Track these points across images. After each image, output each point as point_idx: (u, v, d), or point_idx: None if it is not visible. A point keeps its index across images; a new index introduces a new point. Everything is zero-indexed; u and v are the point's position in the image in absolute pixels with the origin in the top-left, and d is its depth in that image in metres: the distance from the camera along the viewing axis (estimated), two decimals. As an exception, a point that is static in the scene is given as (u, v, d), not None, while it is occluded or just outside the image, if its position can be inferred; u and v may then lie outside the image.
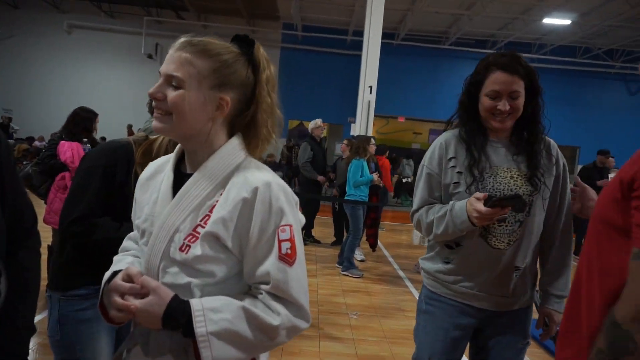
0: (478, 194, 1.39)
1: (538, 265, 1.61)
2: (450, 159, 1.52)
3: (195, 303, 0.88)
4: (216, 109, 0.94)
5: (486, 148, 1.50)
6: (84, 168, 1.44)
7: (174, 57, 0.92)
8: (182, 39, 0.95)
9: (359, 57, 8.75)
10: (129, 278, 0.92)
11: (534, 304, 1.61)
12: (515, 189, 1.46)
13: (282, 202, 0.93)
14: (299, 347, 3.18)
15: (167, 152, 1.32)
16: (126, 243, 1.13)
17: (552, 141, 1.56)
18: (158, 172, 1.05)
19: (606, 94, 14.64)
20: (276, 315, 0.90)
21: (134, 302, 0.88)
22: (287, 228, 0.92)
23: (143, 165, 1.33)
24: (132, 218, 1.10)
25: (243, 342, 0.89)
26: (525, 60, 1.45)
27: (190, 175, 0.97)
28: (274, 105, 1.01)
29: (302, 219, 1.00)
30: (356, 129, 7.83)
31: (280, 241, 0.91)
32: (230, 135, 0.99)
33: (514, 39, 13.47)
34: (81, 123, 3.51)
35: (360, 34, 9.63)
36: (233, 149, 0.96)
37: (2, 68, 14.35)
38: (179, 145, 1.04)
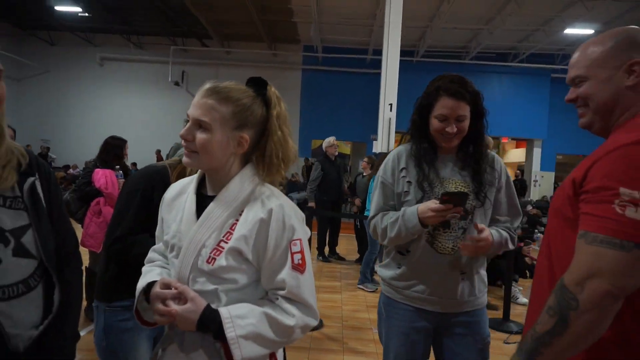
0: (432, 200, 1.54)
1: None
2: (401, 170, 1.67)
3: (224, 312, 1.04)
4: (237, 145, 1.11)
5: (435, 162, 1.65)
6: (125, 193, 1.59)
7: (201, 103, 1.09)
8: (207, 86, 1.11)
9: (379, 75, 8.86)
10: (166, 287, 1.08)
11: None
12: None
13: (293, 220, 1.10)
14: (323, 362, 3.21)
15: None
16: (151, 255, 1.28)
17: (496, 156, 1.71)
18: (181, 193, 1.21)
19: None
20: (291, 317, 1.07)
21: (175, 308, 1.04)
22: (298, 242, 1.10)
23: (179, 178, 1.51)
24: (157, 233, 1.26)
25: (265, 341, 1.06)
26: (472, 85, 1.60)
27: (210, 197, 1.13)
28: (286, 137, 1.15)
29: (308, 232, 1.17)
30: (378, 146, 7.89)
31: (292, 253, 1.09)
32: (244, 163, 1.15)
33: (536, 50, 13.37)
34: (112, 151, 3.72)
35: (379, 52, 9.78)
36: (247, 176, 1.13)
37: (40, 101, 15.16)
38: (199, 171, 1.20)
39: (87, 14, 12.74)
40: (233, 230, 1.08)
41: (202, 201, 1.13)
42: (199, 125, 1.08)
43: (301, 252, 1.10)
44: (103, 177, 3.55)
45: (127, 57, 15.11)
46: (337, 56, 14.28)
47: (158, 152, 13.15)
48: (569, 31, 11.68)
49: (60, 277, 1.18)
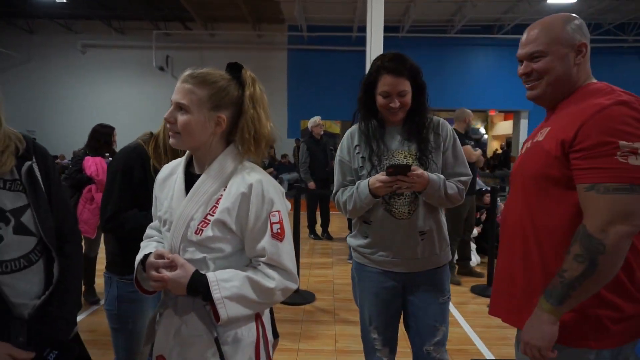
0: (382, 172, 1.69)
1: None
2: (355, 147, 1.83)
3: (211, 276, 1.16)
4: (215, 125, 1.22)
5: (385, 137, 1.80)
6: (108, 176, 1.73)
7: (180, 88, 1.20)
8: (186, 72, 1.22)
9: (365, 52, 8.85)
10: (159, 257, 1.20)
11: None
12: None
13: (272, 194, 1.21)
14: (316, 332, 3.35)
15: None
16: (149, 231, 1.42)
17: (442, 120, 1.84)
18: (172, 173, 1.33)
19: (621, 69, 14.38)
20: (272, 280, 1.20)
21: (167, 274, 1.16)
22: (277, 213, 1.22)
23: (157, 157, 1.68)
24: (153, 211, 1.41)
25: (248, 302, 1.18)
26: (411, 61, 1.74)
27: (198, 175, 1.25)
28: (260, 116, 1.23)
29: (288, 205, 1.30)
30: (365, 124, 7.92)
31: (271, 223, 1.20)
32: (227, 143, 1.27)
33: (520, 21, 13.35)
34: (101, 138, 3.77)
35: (364, 29, 9.73)
36: (229, 155, 1.24)
37: (23, 91, 14.91)
38: (187, 152, 1.32)
39: (65, 0, 12.46)
40: (218, 204, 1.19)
41: (191, 179, 1.26)
42: (179, 108, 1.19)
43: (280, 222, 1.21)
44: (94, 165, 3.61)
45: (109, 44, 14.85)
46: (323, 34, 14.16)
47: (146, 138, 13.04)
48: (551, 1, 11.68)
49: (60, 252, 1.30)
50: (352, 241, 1.92)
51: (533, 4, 12.12)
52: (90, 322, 3.50)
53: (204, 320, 1.20)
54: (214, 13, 13.59)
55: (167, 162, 1.67)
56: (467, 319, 3.71)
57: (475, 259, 5.16)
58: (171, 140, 1.22)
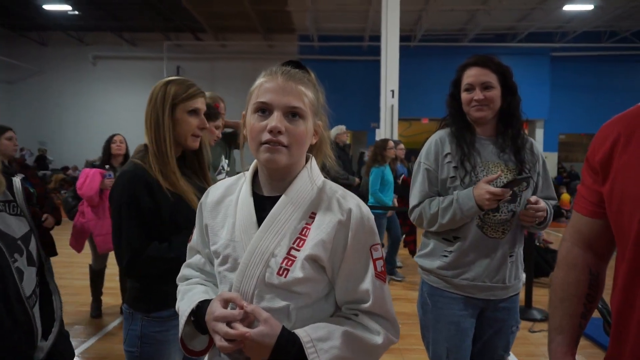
0: (487, 178, 1.53)
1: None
2: (446, 155, 1.64)
3: (303, 335, 0.89)
4: (313, 135, 0.99)
5: (475, 144, 1.64)
6: (112, 212, 1.46)
7: (287, 87, 0.92)
8: (287, 68, 0.96)
9: (377, 62, 8.70)
10: (226, 304, 0.91)
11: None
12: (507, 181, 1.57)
13: (372, 222, 0.96)
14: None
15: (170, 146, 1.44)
16: (186, 271, 1.11)
17: (533, 141, 1.72)
18: (226, 195, 1.03)
19: (637, 77, 14.09)
20: (377, 335, 0.93)
21: (247, 330, 0.86)
22: (378, 247, 0.97)
23: (163, 170, 1.42)
24: (193, 244, 1.10)
25: None
26: (499, 60, 1.64)
27: (268, 198, 0.97)
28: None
29: None
30: (381, 134, 7.77)
31: (374, 260, 0.95)
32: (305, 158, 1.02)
33: (535, 29, 13.17)
34: (106, 150, 3.63)
35: (376, 39, 9.60)
36: (314, 172, 0.99)
37: (35, 103, 14.97)
38: (252, 167, 1.03)
39: (76, 12, 12.51)
40: (305, 235, 0.93)
41: (259, 203, 0.97)
42: (291, 113, 0.92)
43: (382, 258, 0.98)
44: (82, 177, 3.53)
45: (120, 55, 14.89)
46: (334, 44, 14.08)
47: (157, 149, 12.98)
48: (567, 7, 11.49)
49: (51, 281, 1.16)
50: (426, 262, 1.70)
51: (548, 12, 11.92)
52: (101, 348, 3.29)
53: None
54: (224, 23, 13.58)
55: (175, 177, 1.45)
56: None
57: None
58: (270, 156, 0.90)
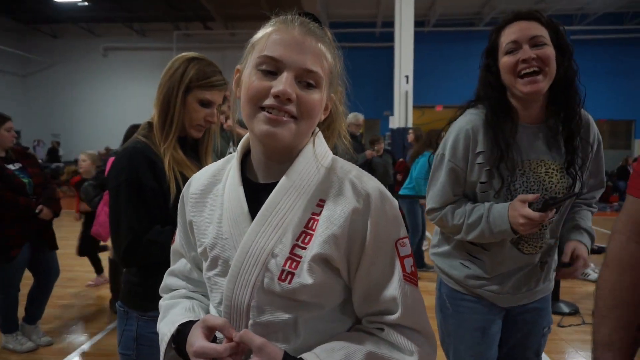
0: (524, 196, 1.21)
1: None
2: (478, 154, 1.28)
3: (311, 358, 0.69)
4: (323, 110, 0.78)
5: (516, 136, 1.26)
6: (110, 192, 1.30)
7: (309, 44, 0.71)
8: (305, 20, 0.74)
9: (390, 49, 8.50)
10: (210, 332, 0.71)
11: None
12: (551, 187, 1.28)
13: (396, 210, 0.75)
14: None
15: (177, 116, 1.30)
16: (169, 280, 0.90)
17: (590, 118, 1.35)
18: (213, 183, 0.82)
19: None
20: (409, 356, 0.71)
21: None
22: (406, 241, 0.75)
23: (169, 144, 1.27)
24: (176, 247, 0.90)
25: None
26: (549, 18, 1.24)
27: (264, 185, 0.76)
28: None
29: None
30: (395, 122, 7.59)
31: (401, 258, 0.74)
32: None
33: (553, 12, 12.71)
34: (126, 140, 3.55)
35: (389, 24, 9.36)
36: (320, 149, 0.77)
37: (48, 95, 15.05)
38: (240, 147, 0.82)
39: (86, 3, 12.46)
40: (312, 229, 0.72)
41: (251, 191, 0.76)
42: (305, 78, 0.71)
43: (412, 255, 0.76)
44: (110, 166, 3.41)
45: (130, 46, 14.86)
46: (345, 31, 13.80)
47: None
48: (589, -11, 11.07)
49: None
50: (444, 264, 1.46)
51: (568, -7, 11.51)
52: (110, 344, 3.21)
53: None
54: (234, 12, 13.41)
55: (178, 154, 1.28)
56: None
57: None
58: (270, 129, 0.69)
